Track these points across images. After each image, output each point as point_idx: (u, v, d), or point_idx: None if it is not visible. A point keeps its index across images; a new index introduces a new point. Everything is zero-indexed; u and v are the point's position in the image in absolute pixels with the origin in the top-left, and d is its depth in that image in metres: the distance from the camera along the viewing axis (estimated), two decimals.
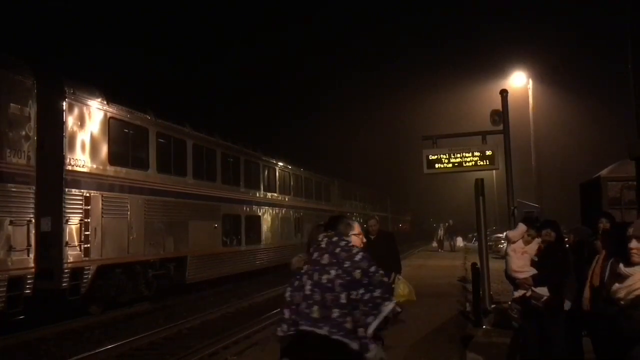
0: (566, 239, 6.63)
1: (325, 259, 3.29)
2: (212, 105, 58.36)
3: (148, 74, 50.71)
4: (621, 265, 4.15)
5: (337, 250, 3.32)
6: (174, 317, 12.61)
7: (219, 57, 74.38)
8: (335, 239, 3.40)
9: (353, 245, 3.41)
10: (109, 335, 10.77)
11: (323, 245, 3.37)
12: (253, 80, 79.62)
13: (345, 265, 3.23)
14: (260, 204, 21.28)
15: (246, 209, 19.99)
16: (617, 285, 4.12)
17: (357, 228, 3.63)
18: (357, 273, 3.21)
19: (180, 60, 69.34)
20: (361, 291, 3.17)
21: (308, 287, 3.22)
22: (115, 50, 54.68)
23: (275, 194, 23.15)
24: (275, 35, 77.16)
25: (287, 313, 3.23)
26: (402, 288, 7.13)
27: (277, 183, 23.56)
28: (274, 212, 22.67)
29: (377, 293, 3.18)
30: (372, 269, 3.25)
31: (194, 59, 70.47)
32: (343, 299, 3.15)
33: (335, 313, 3.12)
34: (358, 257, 3.29)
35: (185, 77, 63.59)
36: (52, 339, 10.33)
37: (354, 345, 3.09)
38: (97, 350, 9.34)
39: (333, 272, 3.21)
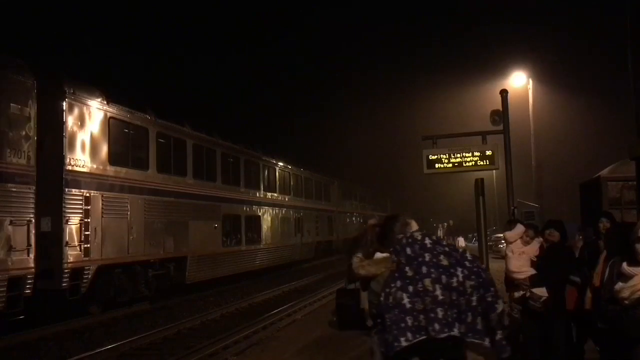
0: (580, 237, 6.63)
1: (444, 259, 3.15)
2: (212, 105, 58.35)
3: (148, 74, 50.68)
4: (624, 265, 4.11)
5: (446, 249, 3.23)
6: (174, 317, 12.61)
7: (219, 57, 74.40)
8: (435, 237, 3.32)
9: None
10: (109, 335, 10.76)
11: (428, 245, 3.23)
12: (253, 80, 79.68)
13: (469, 266, 3.15)
14: (260, 204, 21.27)
15: (246, 209, 19.98)
16: (620, 284, 4.08)
17: (415, 226, 3.52)
18: (483, 273, 3.18)
19: (180, 60, 69.34)
20: (486, 291, 3.16)
21: (439, 292, 3.06)
22: (115, 50, 54.66)
23: (275, 194, 23.14)
24: (275, 35, 77.21)
25: (409, 321, 3.05)
26: None
27: (277, 183, 23.56)
28: (274, 212, 22.66)
29: (493, 292, 3.19)
30: (484, 266, 3.29)
31: (194, 59, 70.46)
32: (474, 301, 3.10)
33: (469, 317, 3.08)
34: (469, 255, 3.25)
35: (185, 77, 63.57)
36: (52, 339, 10.32)
37: (487, 345, 3.08)
38: (97, 350, 9.33)
39: (460, 274, 3.11)
